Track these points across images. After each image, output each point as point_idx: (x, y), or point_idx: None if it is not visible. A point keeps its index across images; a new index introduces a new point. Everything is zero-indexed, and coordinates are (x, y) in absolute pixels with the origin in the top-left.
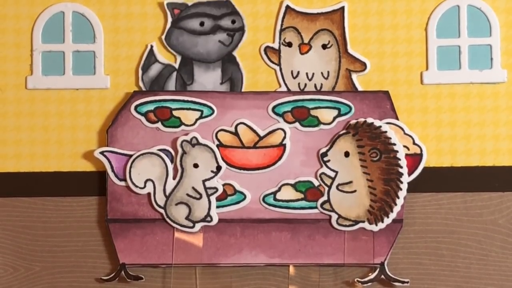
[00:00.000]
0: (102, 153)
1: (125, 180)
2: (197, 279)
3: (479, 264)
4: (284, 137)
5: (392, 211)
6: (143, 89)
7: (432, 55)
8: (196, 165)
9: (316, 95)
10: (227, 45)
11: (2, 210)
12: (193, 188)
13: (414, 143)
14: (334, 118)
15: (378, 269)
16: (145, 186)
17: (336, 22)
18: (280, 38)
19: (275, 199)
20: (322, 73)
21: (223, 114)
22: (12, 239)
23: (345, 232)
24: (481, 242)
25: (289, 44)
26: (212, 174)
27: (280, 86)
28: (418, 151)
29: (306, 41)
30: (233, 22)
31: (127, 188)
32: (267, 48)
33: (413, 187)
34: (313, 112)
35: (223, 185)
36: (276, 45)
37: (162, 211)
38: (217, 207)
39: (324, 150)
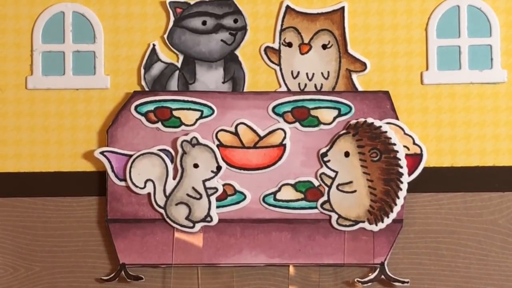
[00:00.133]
0: (102, 153)
1: (125, 180)
2: (199, 279)
3: (479, 264)
4: (284, 137)
5: (392, 211)
6: (145, 88)
7: (432, 55)
8: (196, 165)
9: (316, 95)
10: (229, 44)
11: (2, 210)
12: (193, 188)
13: (414, 143)
14: (334, 118)
15: (378, 269)
16: (145, 186)
17: (336, 22)
18: (280, 38)
19: (275, 199)
20: (322, 73)
21: (223, 114)
22: (12, 239)
23: (345, 232)
24: (481, 242)
25: (289, 44)
26: (212, 174)
27: (280, 86)
28: (418, 151)
29: (306, 41)
30: (235, 21)
31: (127, 188)
32: (267, 48)
33: (413, 187)
34: (313, 112)
35: (223, 185)
36: (276, 45)
37: (162, 211)
38: (217, 207)
39: (324, 150)
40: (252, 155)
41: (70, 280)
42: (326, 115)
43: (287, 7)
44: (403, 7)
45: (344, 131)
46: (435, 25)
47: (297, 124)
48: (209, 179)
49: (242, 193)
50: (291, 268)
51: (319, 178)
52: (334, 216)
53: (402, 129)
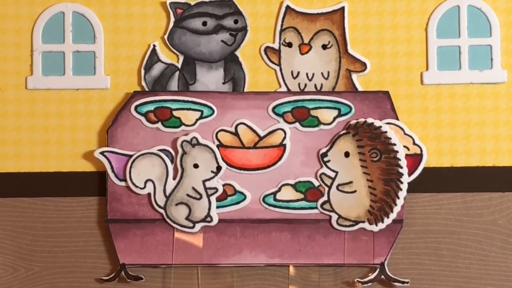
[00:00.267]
0: (102, 153)
1: (125, 180)
2: (199, 279)
3: (479, 265)
4: (284, 137)
5: (392, 211)
6: (146, 88)
7: (432, 55)
8: (196, 165)
9: (316, 95)
10: (230, 45)
11: (2, 210)
12: (193, 188)
13: (414, 143)
14: (334, 118)
15: (378, 269)
16: (145, 187)
17: (336, 22)
18: (280, 38)
19: (275, 199)
20: (322, 73)
21: (223, 114)
22: (12, 239)
23: (345, 232)
24: (481, 243)
25: (289, 44)
26: (212, 174)
27: (280, 86)
28: (418, 151)
29: (306, 41)
30: (236, 22)
31: (127, 188)
32: (267, 49)
33: (413, 187)
34: (313, 112)
35: (223, 185)
36: (276, 45)
37: (162, 211)
38: (217, 207)
39: (324, 150)
40: (252, 155)
41: (70, 280)
42: (326, 115)
43: (287, 7)
44: (403, 7)
45: (344, 131)
46: (435, 25)
47: (297, 124)
48: (209, 179)
49: (242, 193)
50: (291, 268)
51: (319, 178)
52: (334, 216)
53: (402, 129)
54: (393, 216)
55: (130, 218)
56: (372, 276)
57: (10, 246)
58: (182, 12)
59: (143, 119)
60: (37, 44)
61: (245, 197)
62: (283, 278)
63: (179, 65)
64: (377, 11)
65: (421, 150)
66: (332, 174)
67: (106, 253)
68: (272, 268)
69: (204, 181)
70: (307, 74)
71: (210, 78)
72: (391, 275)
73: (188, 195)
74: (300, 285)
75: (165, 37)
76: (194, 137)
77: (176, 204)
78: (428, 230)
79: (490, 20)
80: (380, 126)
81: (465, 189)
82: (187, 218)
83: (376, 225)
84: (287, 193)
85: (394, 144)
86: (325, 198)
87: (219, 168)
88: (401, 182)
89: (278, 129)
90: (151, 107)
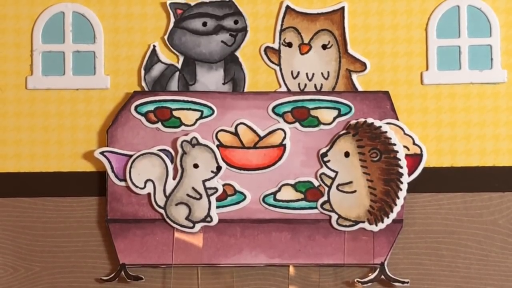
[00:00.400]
0: (102, 153)
1: (125, 180)
2: (199, 279)
3: (479, 265)
4: (284, 137)
5: (392, 211)
6: (146, 89)
7: (432, 55)
8: (196, 165)
9: (316, 95)
10: (230, 45)
11: (2, 210)
12: (193, 188)
13: (414, 143)
14: (334, 118)
15: (378, 269)
16: (145, 187)
17: (336, 22)
18: (280, 38)
19: (275, 199)
20: (322, 73)
21: (223, 114)
22: (12, 239)
23: (345, 232)
24: (481, 243)
25: (289, 44)
26: (212, 174)
27: (280, 86)
28: (418, 151)
29: (306, 41)
30: (236, 22)
31: (127, 188)
32: (267, 49)
33: (413, 187)
34: (313, 112)
35: (223, 185)
36: (276, 45)
37: (162, 211)
38: (217, 207)
39: (324, 150)
40: (252, 155)
41: (70, 280)
42: (326, 115)
43: (287, 7)
44: (403, 7)
45: (344, 131)
46: (435, 25)
47: (297, 124)
48: (209, 179)
49: (242, 193)
50: (291, 268)
51: (319, 178)
52: (334, 216)
53: (402, 129)
54: (393, 216)
55: (130, 218)
56: (372, 276)
57: (10, 246)
58: (182, 12)
59: (143, 119)
60: (37, 44)
61: (245, 197)
62: (283, 278)
63: (179, 66)
64: (377, 11)
65: (421, 150)
66: (332, 174)
67: (106, 253)
68: (272, 268)
69: (204, 181)
70: (307, 74)
71: (210, 79)
72: (391, 275)
73: (188, 195)
74: (300, 285)
75: (165, 37)
76: (194, 137)
77: (176, 204)
78: (428, 230)
79: (490, 20)
80: (380, 126)
81: (465, 189)
82: (187, 218)
83: (376, 225)
84: (287, 193)
85: (394, 144)
86: (325, 198)
87: (219, 168)
88: (401, 182)
89: (278, 129)
90: (151, 107)
